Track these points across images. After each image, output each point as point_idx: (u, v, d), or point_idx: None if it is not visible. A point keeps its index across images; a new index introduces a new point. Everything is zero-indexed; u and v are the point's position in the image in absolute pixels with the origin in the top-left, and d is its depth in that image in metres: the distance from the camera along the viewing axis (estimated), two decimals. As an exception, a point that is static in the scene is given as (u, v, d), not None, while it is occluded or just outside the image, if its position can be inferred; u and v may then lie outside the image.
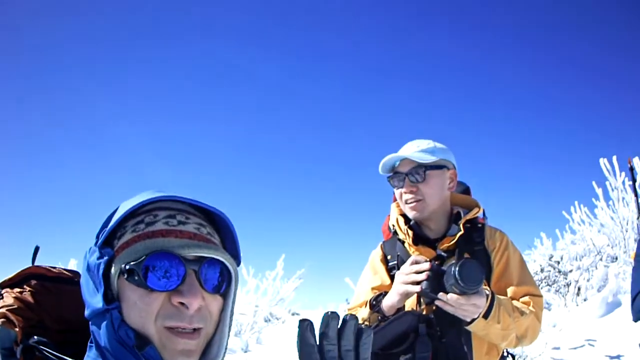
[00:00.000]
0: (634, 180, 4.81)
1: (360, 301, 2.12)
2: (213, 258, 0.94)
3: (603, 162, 10.79)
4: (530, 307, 1.95)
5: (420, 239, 2.08)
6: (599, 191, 11.06)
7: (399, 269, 1.95)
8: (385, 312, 1.86)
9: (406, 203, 2.05)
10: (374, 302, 1.94)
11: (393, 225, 2.15)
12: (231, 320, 1.00)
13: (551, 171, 22.58)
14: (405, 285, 1.78)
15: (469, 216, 2.06)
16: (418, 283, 1.76)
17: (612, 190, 10.36)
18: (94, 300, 0.89)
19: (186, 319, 0.89)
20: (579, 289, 10.01)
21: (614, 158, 10.40)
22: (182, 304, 0.89)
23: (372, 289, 2.11)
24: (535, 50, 24.26)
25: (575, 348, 8.00)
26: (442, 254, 2.01)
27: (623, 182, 10.04)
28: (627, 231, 9.52)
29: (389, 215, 2.32)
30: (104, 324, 0.87)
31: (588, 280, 9.83)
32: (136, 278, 0.88)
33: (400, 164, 2.04)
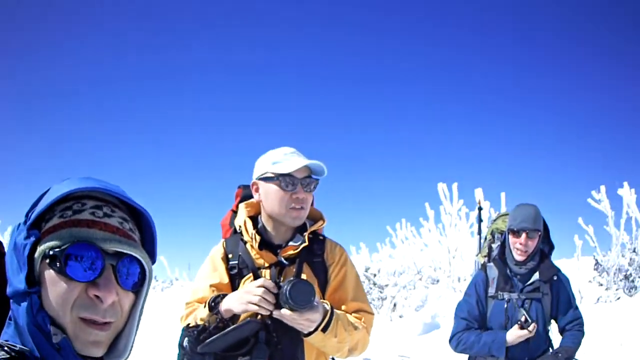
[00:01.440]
0: (481, 220, 4.89)
1: (198, 296, 2.17)
2: (131, 255, 0.95)
3: (441, 187, 11.02)
4: (362, 322, 2.07)
5: (264, 244, 2.12)
6: (431, 213, 11.25)
7: (239, 270, 2.13)
8: (223, 315, 1.91)
9: (289, 208, 2.07)
10: (213, 304, 1.97)
11: (240, 226, 2.18)
12: (140, 317, 1.02)
13: (381, 187, 23.13)
14: (249, 306, 1.85)
15: (313, 228, 2.15)
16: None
17: (446, 214, 10.53)
18: (16, 279, 0.90)
19: (100, 313, 0.91)
20: (395, 304, 9.85)
21: (455, 185, 10.64)
22: (97, 297, 0.90)
23: (211, 285, 2.15)
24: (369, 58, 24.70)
25: (387, 361, 7.71)
26: (283, 261, 2.09)
27: (459, 210, 10.24)
28: (454, 257, 9.62)
29: (231, 211, 2.45)
30: (24, 305, 0.88)
31: (406, 299, 9.69)
32: (57, 265, 0.89)
33: (297, 169, 2.05)
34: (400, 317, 9.52)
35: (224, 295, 1.99)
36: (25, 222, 0.94)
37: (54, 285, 0.89)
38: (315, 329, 1.85)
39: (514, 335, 2.89)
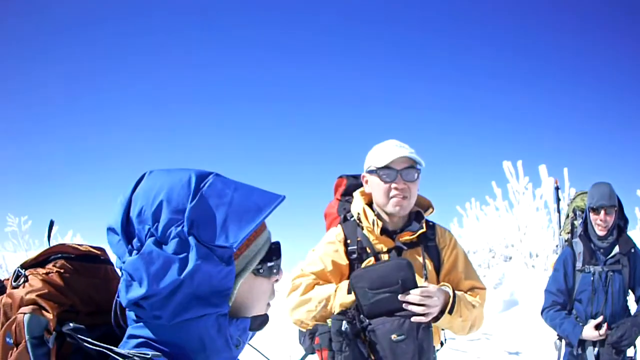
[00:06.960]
0: (559, 200, 5.18)
1: (318, 268, 2.24)
2: None
3: (507, 165, 11.32)
4: (477, 299, 2.22)
5: (382, 230, 2.24)
6: (498, 191, 11.63)
7: (358, 254, 2.21)
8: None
9: (391, 197, 2.18)
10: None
11: (358, 213, 2.27)
12: None
13: (447, 167, 23.02)
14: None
15: (427, 214, 2.32)
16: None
17: (514, 193, 10.89)
18: (210, 304, 0.82)
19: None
20: (473, 283, 10.40)
21: (519, 163, 10.96)
22: (276, 280, 0.97)
23: (333, 261, 2.23)
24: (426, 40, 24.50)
25: (472, 340, 8.24)
26: (402, 245, 2.20)
27: (526, 187, 10.58)
28: (525, 234, 10.05)
29: (336, 200, 2.60)
30: (211, 325, 0.83)
31: (484, 277, 10.25)
32: (262, 270, 0.91)
33: (395, 161, 2.15)
34: (480, 294, 10.08)
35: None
36: (209, 247, 0.79)
37: (256, 288, 0.91)
38: (442, 312, 2.02)
39: (589, 334, 3.28)
